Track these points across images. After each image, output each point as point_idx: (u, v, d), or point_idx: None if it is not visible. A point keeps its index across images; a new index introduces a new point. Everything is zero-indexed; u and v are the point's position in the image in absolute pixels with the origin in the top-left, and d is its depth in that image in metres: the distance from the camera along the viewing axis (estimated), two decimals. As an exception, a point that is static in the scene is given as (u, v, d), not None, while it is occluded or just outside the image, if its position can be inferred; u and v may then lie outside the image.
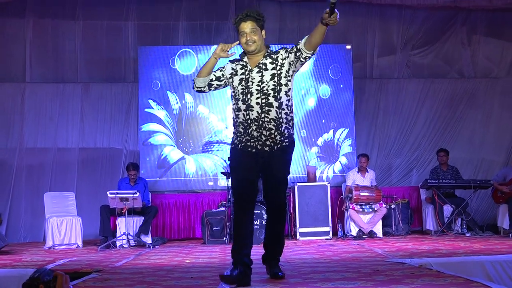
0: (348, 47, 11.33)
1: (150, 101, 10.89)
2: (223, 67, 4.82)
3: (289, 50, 4.64)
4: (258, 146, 4.57)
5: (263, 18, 4.70)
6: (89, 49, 11.42)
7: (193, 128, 10.96)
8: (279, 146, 4.60)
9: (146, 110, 10.89)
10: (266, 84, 4.57)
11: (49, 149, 11.11)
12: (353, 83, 11.20)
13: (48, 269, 2.19)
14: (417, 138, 11.66)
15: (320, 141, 11.06)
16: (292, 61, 4.60)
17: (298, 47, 4.53)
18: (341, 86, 11.15)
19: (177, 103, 10.93)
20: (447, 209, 9.99)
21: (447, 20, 11.91)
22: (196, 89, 4.88)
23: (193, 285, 4.71)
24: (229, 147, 5.02)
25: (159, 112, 10.89)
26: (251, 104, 4.57)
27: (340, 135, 11.08)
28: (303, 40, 4.52)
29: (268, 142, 4.56)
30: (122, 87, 11.35)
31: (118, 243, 9.13)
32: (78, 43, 11.37)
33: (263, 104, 4.55)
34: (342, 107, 11.12)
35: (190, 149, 10.87)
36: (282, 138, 4.59)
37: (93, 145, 11.25)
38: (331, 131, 11.08)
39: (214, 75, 4.81)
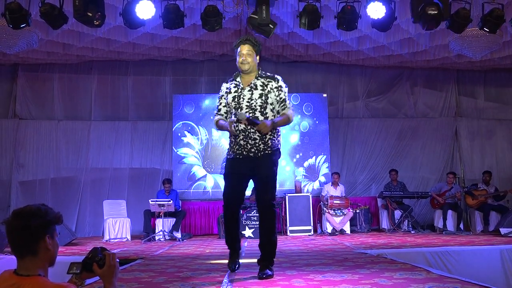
0: (324, 95, 11.36)
1: (186, 132, 10.89)
2: (221, 90, 4.33)
3: (280, 93, 4.17)
4: (244, 153, 4.08)
5: (260, 45, 4.28)
6: (137, 96, 11.46)
7: (215, 155, 10.91)
8: (262, 153, 4.06)
9: (183, 138, 10.88)
10: (255, 101, 4.10)
11: (107, 168, 11.08)
12: (328, 121, 11.19)
13: (100, 249, 2.15)
14: (375, 161, 11.61)
15: (306, 164, 11.02)
16: (275, 100, 4.17)
17: (280, 108, 4.16)
18: (317, 122, 11.14)
19: (205, 135, 10.91)
20: (397, 213, 9.96)
21: (396, 76, 11.96)
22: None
23: (211, 268, 4.67)
24: None
25: (192, 140, 10.87)
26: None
27: (320, 160, 11.04)
28: (281, 112, 4.16)
29: (253, 150, 4.06)
30: (161, 124, 11.34)
31: (156, 238, 9.08)
32: (129, 92, 11.42)
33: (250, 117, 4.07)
34: (320, 138, 11.10)
35: (212, 170, 10.81)
36: (265, 147, 4.07)
37: (139, 166, 11.22)
38: (314, 157, 11.04)
39: (223, 106, 4.29)
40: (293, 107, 4.36)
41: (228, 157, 4.22)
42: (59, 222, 2.03)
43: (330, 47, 10.06)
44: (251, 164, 4.08)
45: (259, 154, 4.08)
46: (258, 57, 4.28)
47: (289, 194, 9.85)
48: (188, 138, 10.87)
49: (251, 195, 9.76)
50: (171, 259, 5.69)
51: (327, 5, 7.63)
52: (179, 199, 10.00)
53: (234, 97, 4.18)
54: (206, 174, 10.80)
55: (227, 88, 4.29)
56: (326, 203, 9.75)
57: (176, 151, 10.85)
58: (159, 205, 8.94)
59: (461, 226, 9.62)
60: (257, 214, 8.78)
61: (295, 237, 9.17)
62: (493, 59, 10.19)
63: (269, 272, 3.92)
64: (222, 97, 4.32)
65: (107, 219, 9.40)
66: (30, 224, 1.91)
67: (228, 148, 4.24)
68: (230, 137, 4.20)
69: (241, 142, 4.09)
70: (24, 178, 10.80)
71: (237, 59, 4.21)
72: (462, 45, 7.74)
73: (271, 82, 4.22)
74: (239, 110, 4.11)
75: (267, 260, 4.05)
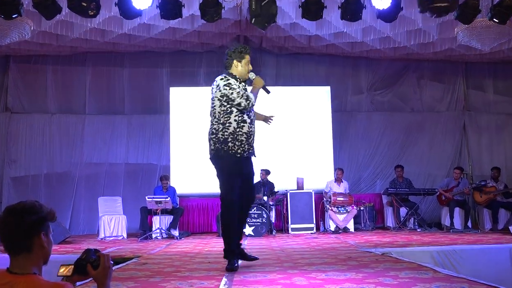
0: (328, 88, 11.36)
1: (184, 126, 10.86)
2: (234, 83, 4.46)
3: None
4: (254, 154, 4.59)
5: None
6: (133, 89, 11.45)
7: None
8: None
9: (180, 132, 10.85)
10: None
11: (102, 164, 11.10)
12: (331, 115, 11.18)
13: (94, 250, 2.16)
14: (380, 157, 11.62)
15: (308, 159, 11.01)
16: None
17: None
18: (320, 116, 11.12)
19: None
20: (403, 211, 9.97)
21: (402, 69, 11.95)
22: (250, 107, 4.43)
23: (210, 268, 4.68)
24: None
25: (190, 134, 10.74)
26: (253, 119, 4.53)
27: (323, 155, 11.01)
28: None
29: (254, 150, 4.59)
30: (158, 117, 11.33)
31: (153, 236, 9.10)
32: (125, 85, 11.42)
33: (255, 121, 4.62)
34: (323, 133, 11.09)
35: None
36: None
37: (135, 161, 11.23)
38: (317, 152, 11.03)
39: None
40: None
41: (238, 155, 4.37)
42: (53, 219, 2.03)
43: (334, 38, 10.04)
44: (249, 163, 4.60)
45: (255, 154, 4.63)
46: None
47: (291, 191, 9.85)
48: (186, 132, 10.84)
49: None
50: (169, 258, 5.70)
51: (331, -5, 7.60)
52: (177, 196, 10.01)
53: None
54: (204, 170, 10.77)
55: (238, 87, 4.47)
56: (329, 200, 9.76)
57: (173, 145, 10.84)
58: (156, 202, 8.95)
59: (469, 224, 9.61)
60: (258, 212, 8.86)
61: (297, 235, 9.18)
62: (502, 51, 10.16)
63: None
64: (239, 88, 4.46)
65: (102, 216, 9.41)
66: (25, 220, 1.92)
67: (234, 146, 4.34)
68: (237, 134, 4.35)
69: (253, 143, 4.52)
70: (16, 174, 10.81)
71: (245, 66, 4.56)
72: (471, 36, 7.73)
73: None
74: (251, 112, 4.53)
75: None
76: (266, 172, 9.87)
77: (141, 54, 11.21)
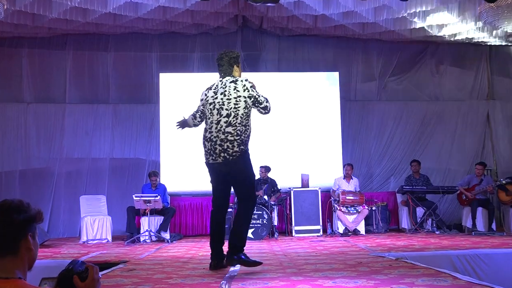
0: (336, 74, 11.33)
1: (175, 117, 10.80)
2: None
3: None
4: None
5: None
6: (119, 76, 11.44)
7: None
8: None
9: (171, 124, 10.81)
10: None
11: (85, 159, 11.10)
12: (340, 105, 11.17)
13: (81, 261, 2.15)
14: (394, 151, 11.62)
15: (314, 154, 11.01)
16: None
17: None
18: (327, 105, 11.10)
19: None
20: (420, 211, 9.97)
21: (418, 52, 11.93)
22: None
23: (205, 274, 4.68)
24: None
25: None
26: None
27: (331, 149, 11.01)
28: None
29: None
30: (146, 107, 11.32)
31: (141, 239, 9.10)
32: (110, 71, 11.40)
33: None
34: (330, 124, 11.08)
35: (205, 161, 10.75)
36: None
37: (121, 156, 11.23)
38: (324, 146, 11.02)
39: None
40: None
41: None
42: (41, 220, 2.03)
43: (343, 18, 10.00)
44: None
45: None
46: None
47: (294, 189, 9.86)
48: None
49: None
50: (159, 263, 5.71)
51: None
52: (168, 195, 10.01)
53: None
54: (198, 166, 10.77)
55: None
56: (338, 199, 9.77)
57: (164, 138, 10.83)
58: (145, 201, 8.94)
59: (493, 226, 9.62)
60: (258, 212, 8.87)
61: (302, 238, 9.19)
62: (531, 32, 10.15)
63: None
64: None
65: (84, 217, 9.41)
66: (13, 219, 1.91)
67: (246, 148, 4.79)
68: (248, 139, 4.81)
69: None
70: (-13, 170, 10.82)
71: (240, 71, 5.05)
72: (495, 16, 7.71)
73: None
74: None
75: None
76: (266, 169, 9.86)
77: (127, 36, 11.18)
